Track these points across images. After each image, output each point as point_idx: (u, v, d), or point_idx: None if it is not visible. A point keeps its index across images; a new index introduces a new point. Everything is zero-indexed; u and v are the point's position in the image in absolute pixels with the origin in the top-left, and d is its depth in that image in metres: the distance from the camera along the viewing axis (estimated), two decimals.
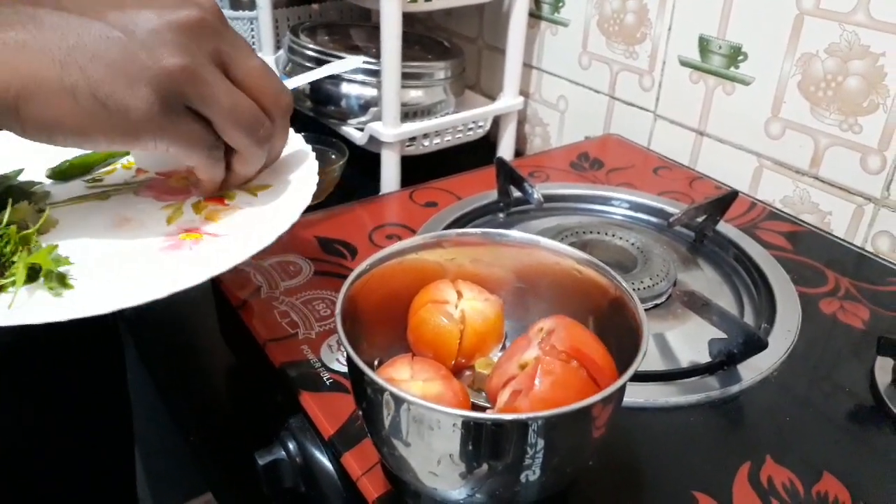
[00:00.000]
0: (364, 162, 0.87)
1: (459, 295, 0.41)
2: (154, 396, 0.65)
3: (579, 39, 0.90)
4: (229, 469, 0.55)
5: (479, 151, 0.95)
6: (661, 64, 0.81)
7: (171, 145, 0.39)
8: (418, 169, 0.82)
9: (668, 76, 0.81)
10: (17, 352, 0.66)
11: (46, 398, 0.72)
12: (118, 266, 0.41)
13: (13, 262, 0.39)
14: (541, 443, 0.30)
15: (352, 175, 0.87)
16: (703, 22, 0.75)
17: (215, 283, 0.59)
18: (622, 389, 0.32)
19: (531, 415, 0.29)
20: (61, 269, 0.39)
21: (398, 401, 0.30)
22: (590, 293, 0.40)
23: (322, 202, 0.85)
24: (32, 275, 0.38)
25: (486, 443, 0.30)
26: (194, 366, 0.64)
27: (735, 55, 0.74)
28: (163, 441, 1.27)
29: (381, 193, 0.85)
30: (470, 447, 0.30)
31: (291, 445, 0.47)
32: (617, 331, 0.38)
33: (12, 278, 0.38)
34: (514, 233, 0.42)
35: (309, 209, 0.81)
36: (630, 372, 0.31)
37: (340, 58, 0.86)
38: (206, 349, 0.65)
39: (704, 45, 0.76)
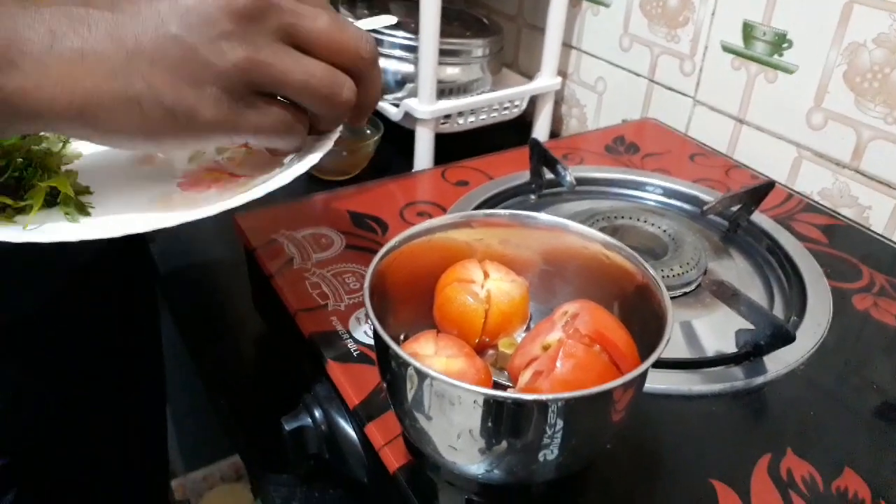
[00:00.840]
0: (399, 138, 0.87)
1: (486, 275, 0.41)
2: (186, 360, 0.67)
3: (621, 20, 0.89)
4: (256, 433, 0.56)
5: (514, 131, 0.95)
6: (702, 49, 0.80)
7: (249, 137, 0.38)
8: (453, 147, 0.83)
9: (710, 61, 0.80)
10: (55, 313, 0.68)
11: (83, 358, 0.74)
12: (136, 197, 0.42)
13: (33, 186, 0.40)
14: (559, 424, 0.31)
15: (386, 151, 0.88)
16: (748, 7, 0.74)
17: (249, 253, 0.60)
18: (643, 376, 0.32)
19: (551, 396, 0.29)
20: (81, 197, 0.40)
21: (421, 375, 0.31)
22: (616, 278, 0.40)
23: (355, 177, 0.86)
24: (50, 200, 0.39)
25: (505, 421, 0.31)
26: (226, 332, 0.65)
27: (779, 42, 0.72)
28: (193, 404, 1.31)
29: (414, 170, 0.85)
30: (490, 424, 0.31)
31: (317, 413, 0.49)
32: (642, 317, 0.38)
33: (31, 201, 0.39)
34: (542, 215, 0.42)
35: (342, 183, 0.82)
36: (652, 359, 0.31)
37: (376, 31, 0.86)
38: (238, 316, 0.67)
39: (748, 31, 0.75)
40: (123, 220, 0.38)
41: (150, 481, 0.95)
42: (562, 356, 0.33)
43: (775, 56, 0.73)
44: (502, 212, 0.42)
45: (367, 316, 0.50)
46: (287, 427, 0.48)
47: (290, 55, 0.36)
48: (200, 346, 0.65)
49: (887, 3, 0.63)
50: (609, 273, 0.41)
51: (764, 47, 0.74)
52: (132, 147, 0.37)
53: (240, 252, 0.62)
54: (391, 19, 0.74)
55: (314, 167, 0.43)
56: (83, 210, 0.39)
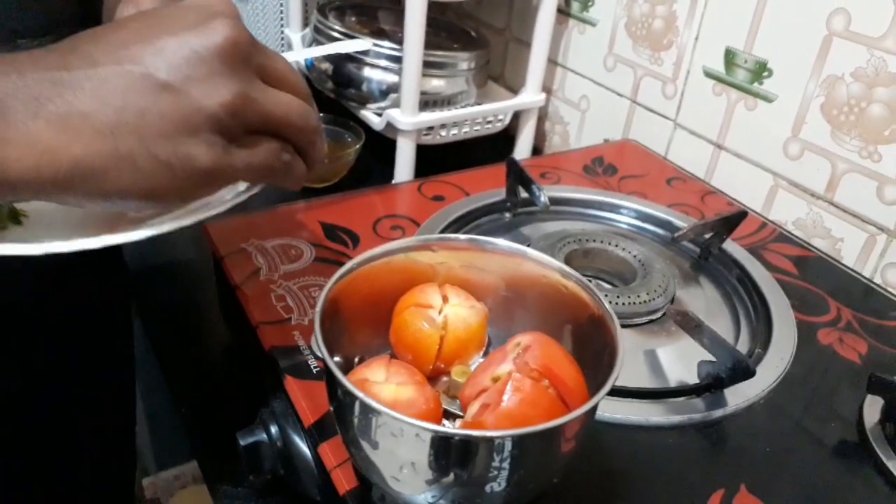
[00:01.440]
0: (382, 147, 0.87)
1: (445, 299, 0.41)
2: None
3: (606, 40, 0.89)
4: (214, 444, 0.56)
5: (498, 145, 0.95)
6: (685, 73, 0.80)
7: (247, 176, 0.37)
8: (436, 158, 0.82)
9: (692, 86, 0.80)
10: (25, 307, 0.67)
11: (51, 354, 0.73)
12: (68, 214, 0.41)
13: None
14: (500, 459, 0.31)
15: (368, 160, 0.88)
16: (731, 34, 0.74)
17: (217, 261, 0.60)
18: (589, 413, 0.32)
19: (485, 433, 0.29)
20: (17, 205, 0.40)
21: (364, 406, 0.31)
22: (573, 308, 0.40)
23: (335, 185, 0.85)
24: None
25: (445, 454, 0.31)
26: (194, 339, 0.65)
27: (760, 71, 0.72)
28: (166, 404, 1.30)
29: (394, 181, 0.85)
30: (430, 457, 0.31)
31: (273, 429, 0.48)
32: (596, 348, 0.38)
33: None
34: (501, 241, 0.42)
35: (322, 191, 0.82)
36: (597, 398, 0.31)
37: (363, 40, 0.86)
38: (207, 323, 0.66)
39: (730, 57, 0.75)
40: (47, 238, 0.36)
41: (117, 479, 0.94)
42: (509, 390, 0.33)
43: (755, 84, 0.73)
44: (461, 236, 0.42)
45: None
46: (242, 442, 0.48)
47: (269, 91, 0.36)
48: (167, 351, 0.64)
49: (866, 38, 0.63)
50: (566, 302, 0.41)
51: (745, 75, 0.74)
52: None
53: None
54: (367, 44, 0.74)
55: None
56: (15, 218, 0.39)
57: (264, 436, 0.48)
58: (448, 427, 0.29)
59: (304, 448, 0.46)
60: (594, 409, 0.33)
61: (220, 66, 0.33)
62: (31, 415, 0.72)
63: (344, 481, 0.41)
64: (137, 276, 0.71)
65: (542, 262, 0.41)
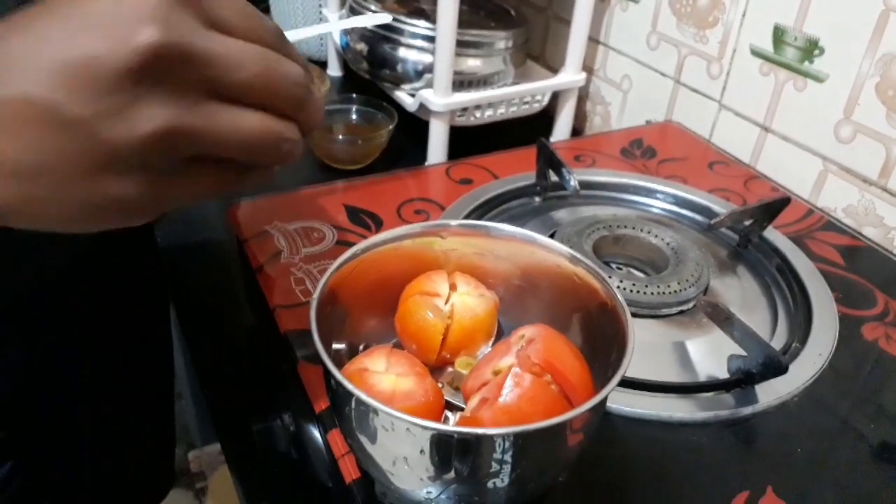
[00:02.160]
0: (417, 129, 0.86)
1: (453, 287, 0.39)
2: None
3: (649, 18, 0.85)
4: (235, 426, 0.56)
5: (537, 127, 0.92)
6: (731, 51, 0.76)
7: (195, 200, 0.31)
8: (473, 140, 0.81)
9: (738, 65, 0.76)
10: (60, 290, 0.68)
11: (88, 335, 0.74)
12: None
13: None
14: (495, 457, 0.29)
15: (402, 141, 0.86)
16: (780, 10, 0.70)
17: (240, 243, 0.60)
18: (593, 411, 0.31)
19: (472, 430, 0.28)
20: None
21: (354, 397, 0.30)
22: (586, 298, 0.38)
23: (368, 166, 0.85)
24: None
25: (436, 450, 0.29)
26: (218, 320, 0.65)
27: (811, 49, 0.68)
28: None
29: (426, 164, 0.84)
30: (421, 452, 0.30)
31: (287, 414, 0.48)
32: (609, 340, 0.36)
33: None
34: (508, 227, 0.40)
35: (354, 172, 0.81)
36: (599, 397, 0.29)
37: (398, 20, 0.84)
38: (232, 306, 0.66)
39: (779, 35, 0.71)
40: None
41: (157, 454, 0.96)
42: (508, 385, 0.31)
43: (805, 63, 0.69)
44: (468, 222, 0.40)
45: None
46: (256, 426, 0.48)
47: (218, 112, 0.28)
48: (194, 331, 0.65)
49: None
50: (579, 292, 0.39)
51: (794, 53, 0.70)
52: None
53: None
54: (386, 17, 0.72)
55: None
56: None
57: (278, 420, 0.48)
58: (433, 423, 0.28)
59: (315, 434, 0.46)
60: (599, 406, 0.31)
61: (139, 89, 0.25)
62: (71, 391, 0.73)
63: (351, 470, 0.40)
64: (168, 257, 0.72)
65: (551, 249, 0.39)
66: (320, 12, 1.04)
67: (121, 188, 0.27)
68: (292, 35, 0.69)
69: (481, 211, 0.63)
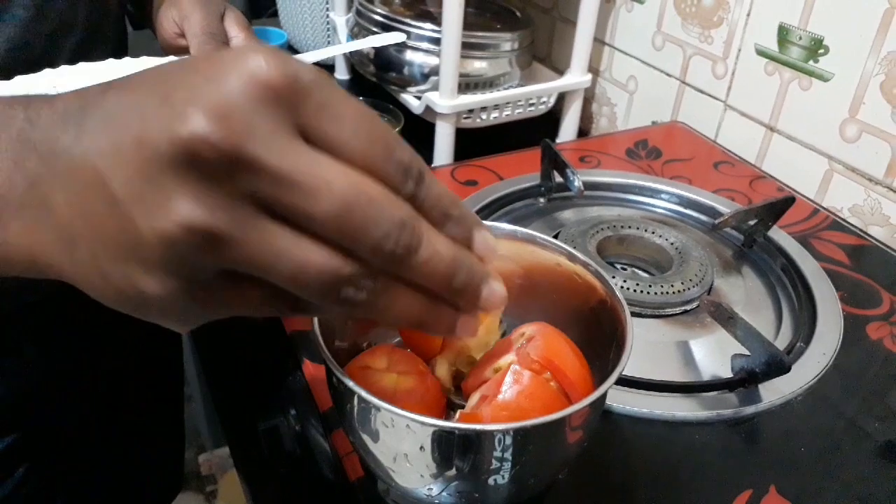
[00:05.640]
0: (423, 131, 0.86)
1: None
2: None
3: (654, 18, 0.85)
4: (243, 427, 0.56)
5: (543, 128, 0.92)
6: (736, 51, 0.76)
7: (228, 315, 0.27)
8: (480, 142, 0.81)
9: (743, 65, 0.76)
10: (73, 294, 0.69)
11: (100, 339, 0.75)
12: None
13: None
14: (493, 454, 0.29)
15: (408, 143, 0.87)
16: (785, 9, 0.70)
17: None
18: (592, 408, 0.31)
19: (470, 426, 0.28)
20: None
21: (355, 394, 0.30)
22: (587, 296, 0.38)
23: None
24: None
25: (436, 446, 0.30)
26: (226, 323, 0.66)
27: (815, 48, 0.68)
28: None
29: (432, 165, 0.84)
30: (421, 449, 0.30)
31: (292, 413, 0.48)
32: (608, 338, 0.37)
33: None
34: (506, 226, 0.40)
35: None
36: (597, 394, 0.30)
37: (405, 23, 0.85)
38: None
39: (784, 34, 0.71)
40: None
41: (166, 456, 0.97)
42: (507, 382, 0.31)
43: (811, 62, 0.69)
44: None
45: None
46: (262, 425, 0.48)
47: (266, 231, 0.23)
48: (201, 335, 0.65)
49: None
50: (580, 290, 0.39)
51: (799, 52, 0.70)
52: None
53: None
54: (400, 37, 0.73)
55: None
56: None
57: (283, 420, 0.48)
58: (433, 419, 0.29)
59: (320, 433, 0.46)
60: (598, 402, 0.31)
61: (174, 180, 0.22)
62: (83, 393, 0.74)
63: (355, 468, 0.41)
64: None
65: (551, 248, 0.39)
66: (327, 16, 1.05)
67: (149, 285, 0.24)
68: (306, 57, 0.70)
69: (486, 212, 0.64)
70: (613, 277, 0.54)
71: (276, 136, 0.22)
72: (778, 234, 0.62)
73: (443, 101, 0.81)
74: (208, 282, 0.24)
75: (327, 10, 1.05)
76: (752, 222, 0.62)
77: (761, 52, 0.74)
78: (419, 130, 0.85)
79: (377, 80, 0.91)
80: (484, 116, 0.85)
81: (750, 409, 0.46)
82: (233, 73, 0.22)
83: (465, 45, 0.79)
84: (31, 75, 0.49)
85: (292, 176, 0.22)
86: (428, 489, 0.32)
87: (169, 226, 0.22)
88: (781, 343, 0.52)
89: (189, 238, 0.22)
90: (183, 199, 0.22)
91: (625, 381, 0.47)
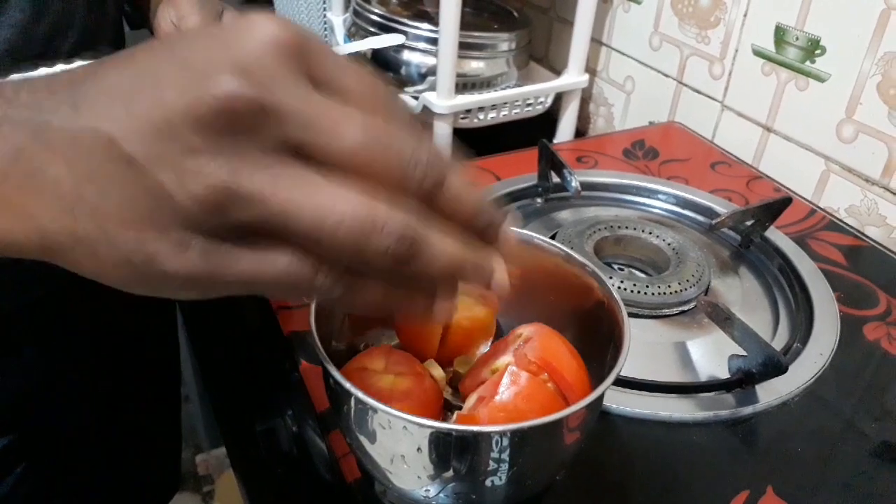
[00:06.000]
0: None
1: None
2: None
3: (651, 18, 0.85)
4: (240, 428, 0.56)
5: (540, 128, 0.92)
6: (733, 52, 0.76)
7: (243, 291, 0.26)
8: (477, 142, 0.81)
9: (740, 65, 0.76)
10: (71, 295, 0.69)
11: (98, 339, 0.75)
12: None
13: None
14: (490, 455, 0.29)
15: None
16: (782, 10, 0.70)
17: None
18: (589, 409, 0.31)
19: (468, 428, 0.28)
20: None
21: (350, 395, 0.30)
22: (584, 297, 0.38)
23: None
24: None
25: (433, 448, 0.30)
26: (223, 324, 0.66)
27: (812, 48, 0.68)
28: None
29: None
30: (418, 450, 0.30)
31: (289, 414, 0.48)
32: (606, 339, 0.37)
33: None
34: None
35: None
36: (593, 396, 0.30)
37: (402, 23, 0.85)
38: (237, 309, 0.67)
39: (781, 35, 0.71)
40: None
41: (163, 455, 0.96)
42: (504, 383, 0.31)
43: (807, 63, 0.69)
44: None
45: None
46: (259, 427, 0.48)
47: (295, 180, 0.24)
48: (198, 335, 0.65)
49: None
50: (578, 291, 0.39)
51: (796, 53, 0.70)
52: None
53: None
54: (399, 38, 0.73)
55: None
56: None
57: (281, 421, 0.48)
58: (430, 420, 0.28)
59: (317, 434, 0.46)
60: (595, 403, 0.31)
61: (203, 142, 0.23)
62: (81, 393, 0.74)
63: (352, 469, 0.41)
64: None
65: (548, 249, 0.39)
66: (324, 16, 1.05)
67: (160, 248, 0.24)
68: None
69: None
70: (610, 278, 0.54)
71: (297, 85, 0.24)
72: (775, 234, 0.62)
73: (440, 101, 0.81)
74: (231, 238, 0.24)
75: (324, 10, 1.05)
76: (748, 223, 0.62)
77: (758, 53, 0.74)
78: None
79: None
80: (481, 117, 0.85)
81: (747, 410, 0.46)
82: (248, 36, 0.23)
83: (463, 45, 0.79)
84: (27, 73, 0.49)
85: (317, 117, 0.24)
86: (425, 491, 0.32)
87: (193, 186, 0.23)
88: (778, 344, 0.52)
89: (219, 195, 0.23)
90: (208, 159, 0.23)
91: (622, 382, 0.47)
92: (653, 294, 0.53)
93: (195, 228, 0.24)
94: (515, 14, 0.96)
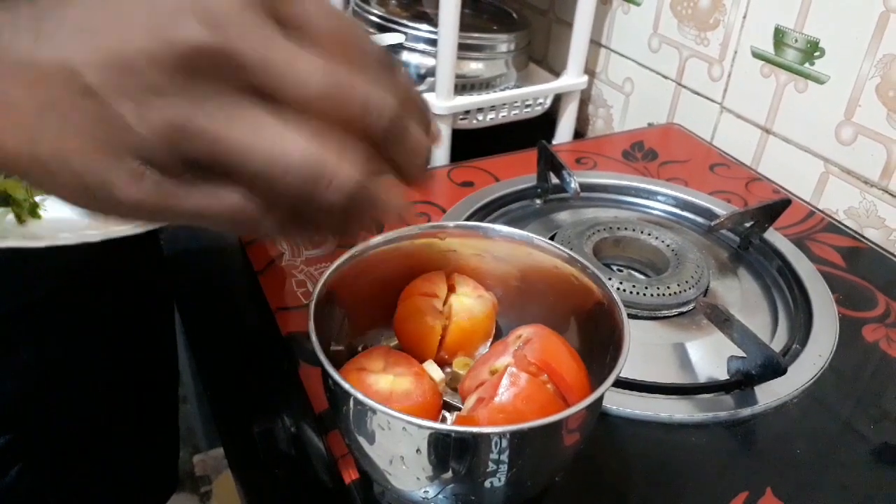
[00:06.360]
0: None
1: (452, 289, 0.40)
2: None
3: (651, 20, 0.86)
4: (238, 429, 0.56)
5: (539, 129, 0.92)
6: (732, 53, 0.76)
7: (196, 222, 0.27)
8: (477, 143, 0.81)
9: (739, 67, 0.76)
10: (69, 295, 0.69)
11: (96, 340, 0.75)
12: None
13: None
14: (489, 456, 0.29)
15: None
16: (781, 12, 0.70)
17: (243, 246, 0.60)
18: (588, 411, 0.31)
19: (467, 429, 0.28)
20: (35, 198, 0.40)
21: (350, 396, 0.30)
22: (584, 298, 0.38)
23: None
24: (3, 201, 0.39)
25: (432, 449, 0.30)
26: (221, 324, 0.65)
27: (811, 50, 0.68)
28: None
29: (428, 167, 0.84)
30: (417, 451, 0.30)
31: (287, 414, 0.48)
32: (606, 340, 0.36)
33: None
34: (504, 228, 0.40)
35: None
36: (593, 397, 0.30)
37: (401, 24, 0.85)
38: (235, 310, 0.67)
39: (780, 36, 0.71)
40: (64, 230, 0.37)
41: (160, 456, 0.96)
42: (504, 384, 0.31)
43: (806, 64, 0.69)
44: (466, 223, 0.41)
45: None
46: (257, 427, 0.48)
47: (251, 122, 0.25)
48: (197, 335, 0.65)
49: None
50: (577, 292, 0.39)
51: (795, 55, 0.70)
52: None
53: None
54: (398, 37, 0.72)
55: None
56: (35, 213, 0.39)
57: (279, 422, 0.48)
58: (429, 422, 0.28)
59: (315, 435, 0.46)
60: (595, 405, 0.31)
61: (163, 80, 0.24)
62: (78, 393, 0.74)
63: (350, 471, 0.41)
64: (172, 260, 0.72)
65: (548, 250, 0.39)
66: None
67: (114, 176, 0.25)
68: None
69: (482, 213, 0.64)
70: (610, 279, 0.54)
71: (262, 29, 0.25)
72: (774, 236, 0.62)
73: (439, 102, 0.81)
74: (183, 173, 0.26)
75: None
76: (747, 224, 0.62)
77: (757, 55, 0.74)
78: None
79: None
80: (480, 118, 0.85)
81: (746, 412, 0.46)
82: None
83: (462, 47, 0.79)
84: None
85: (278, 63, 0.25)
86: (424, 492, 0.32)
87: (151, 120, 0.24)
88: (777, 345, 0.52)
89: (173, 131, 0.24)
90: (169, 97, 0.24)
91: (621, 383, 0.47)
92: (652, 295, 0.53)
93: (150, 160, 0.25)
94: (515, 15, 0.96)
